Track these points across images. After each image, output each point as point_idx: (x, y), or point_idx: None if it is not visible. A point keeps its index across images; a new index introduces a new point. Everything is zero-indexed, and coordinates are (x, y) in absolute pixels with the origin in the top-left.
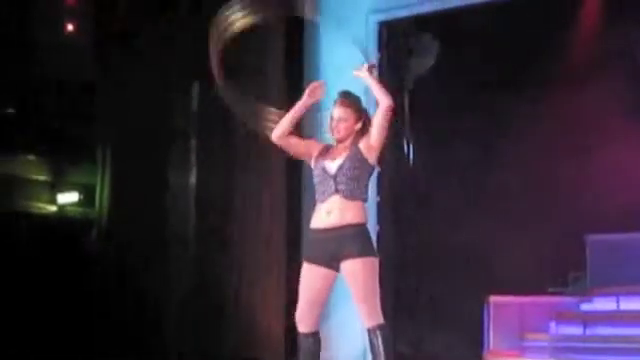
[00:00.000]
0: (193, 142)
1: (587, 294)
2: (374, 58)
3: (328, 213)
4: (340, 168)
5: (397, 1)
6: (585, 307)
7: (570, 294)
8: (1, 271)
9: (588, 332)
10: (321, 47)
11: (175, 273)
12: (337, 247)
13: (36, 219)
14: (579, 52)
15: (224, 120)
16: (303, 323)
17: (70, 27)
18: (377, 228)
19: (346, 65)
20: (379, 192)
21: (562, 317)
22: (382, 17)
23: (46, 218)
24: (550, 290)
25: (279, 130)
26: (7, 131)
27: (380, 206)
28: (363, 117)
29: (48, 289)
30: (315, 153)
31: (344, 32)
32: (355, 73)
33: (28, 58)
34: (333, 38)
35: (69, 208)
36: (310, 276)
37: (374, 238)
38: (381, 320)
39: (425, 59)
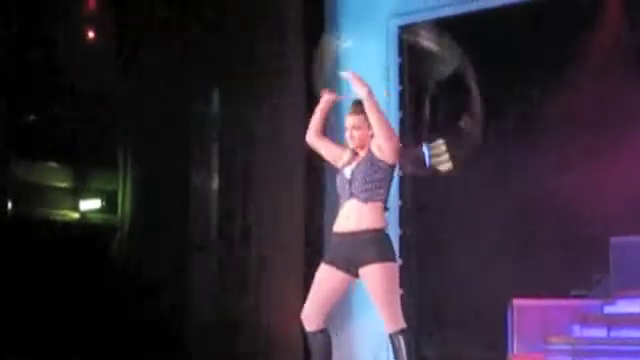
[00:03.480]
0: (214, 147)
1: (611, 296)
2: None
3: (347, 218)
4: (353, 172)
5: (418, 5)
6: (609, 310)
7: (594, 297)
8: (24, 278)
9: (612, 334)
10: (341, 52)
11: (196, 278)
12: (355, 252)
13: (58, 226)
14: (603, 54)
15: (245, 125)
16: (310, 321)
17: (90, 33)
18: (400, 232)
19: (366, 69)
20: (401, 196)
21: (586, 320)
22: (403, 21)
23: (68, 225)
24: (573, 293)
25: (311, 130)
26: (28, 138)
27: (402, 210)
28: None
29: (70, 296)
30: (345, 159)
31: (365, 36)
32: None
33: (48, 65)
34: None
35: (91, 215)
36: (326, 277)
37: (396, 241)
38: (403, 325)
39: (446, 63)
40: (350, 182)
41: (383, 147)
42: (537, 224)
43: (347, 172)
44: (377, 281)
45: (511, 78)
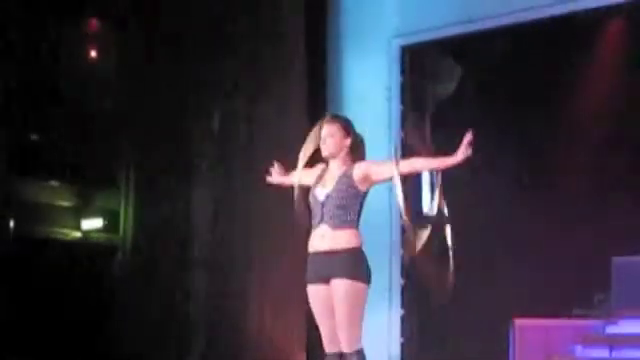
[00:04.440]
0: (215, 165)
1: (613, 317)
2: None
3: (322, 238)
4: (327, 197)
5: (420, 25)
6: (611, 330)
7: (595, 317)
8: (25, 297)
9: (614, 355)
10: (344, 72)
11: (198, 297)
12: (330, 266)
13: (60, 245)
14: (603, 74)
15: (245, 141)
16: (330, 343)
17: (92, 52)
18: (402, 252)
19: (368, 89)
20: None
21: (588, 340)
22: (405, 41)
23: (70, 244)
24: (575, 313)
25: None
26: (31, 157)
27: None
28: (352, 134)
29: (72, 315)
30: (312, 180)
31: (367, 55)
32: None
33: (50, 83)
34: (356, 61)
35: (93, 234)
36: (314, 296)
37: (398, 262)
38: (359, 346)
39: (447, 83)
40: (323, 206)
41: (370, 185)
42: (539, 242)
43: (320, 194)
44: (343, 297)
45: (512, 97)
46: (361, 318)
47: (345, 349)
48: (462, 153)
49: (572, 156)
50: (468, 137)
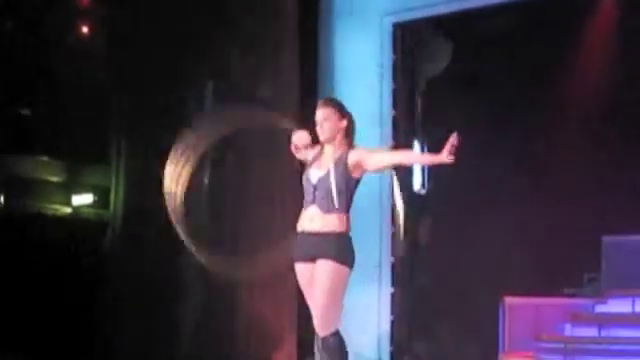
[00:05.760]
0: (208, 144)
1: (602, 296)
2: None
3: (311, 220)
4: (320, 180)
5: (413, 3)
6: (600, 309)
7: (585, 296)
8: (15, 272)
9: (603, 334)
10: (335, 48)
11: (188, 274)
12: (317, 246)
13: (51, 220)
14: (598, 51)
15: (239, 122)
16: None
17: (84, 28)
18: (392, 230)
19: (360, 66)
20: (393, 194)
21: (577, 319)
22: (397, 19)
23: (60, 219)
24: (565, 291)
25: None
26: (22, 133)
27: (394, 208)
28: (346, 116)
29: (62, 290)
30: (310, 158)
31: (359, 33)
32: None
33: (42, 59)
34: (348, 40)
35: (84, 209)
36: (299, 274)
37: (389, 240)
38: (334, 328)
39: (439, 61)
40: (315, 189)
41: (364, 171)
42: (529, 222)
43: (313, 177)
44: (325, 277)
45: (504, 76)
46: (339, 302)
47: (320, 332)
48: (448, 157)
49: (563, 135)
50: (453, 140)
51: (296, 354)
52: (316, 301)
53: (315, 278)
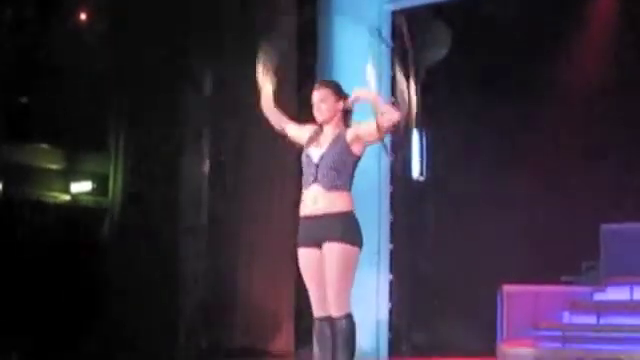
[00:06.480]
0: (206, 130)
1: (600, 284)
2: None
3: (314, 202)
4: (322, 158)
5: None
6: (598, 297)
7: (583, 283)
8: (14, 260)
9: (601, 321)
10: (334, 36)
11: (187, 261)
12: (323, 230)
13: (49, 208)
14: (597, 38)
15: (237, 108)
16: (314, 308)
17: (84, 16)
18: (390, 217)
19: (358, 51)
20: (392, 182)
21: (575, 306)
22: (396, 6)
23: (59, 207)
24: (563, 279)
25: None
26: (20, 120)
27: (393, 196)
28: (343, 96)
29: (61, 278)
30: (306, 137)
31: (358, 20)
32: (358, 93)
33: (39, 47)
34: (347, 26)
35: (82, 197)
36: (303, 260)
37: (387, 227)
38: (348, 310)
39: (438, 48)
40: (317, 167)
41: (363, 144)
42: (529, 210)
43: (315, 155)
44: (335, 260)
45: (503, 62)
46: (351, 282)
47: (334, 313)
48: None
49: (561, 123)
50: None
51: (294, 342)
52: (329, 285)
53: (326, 262)
